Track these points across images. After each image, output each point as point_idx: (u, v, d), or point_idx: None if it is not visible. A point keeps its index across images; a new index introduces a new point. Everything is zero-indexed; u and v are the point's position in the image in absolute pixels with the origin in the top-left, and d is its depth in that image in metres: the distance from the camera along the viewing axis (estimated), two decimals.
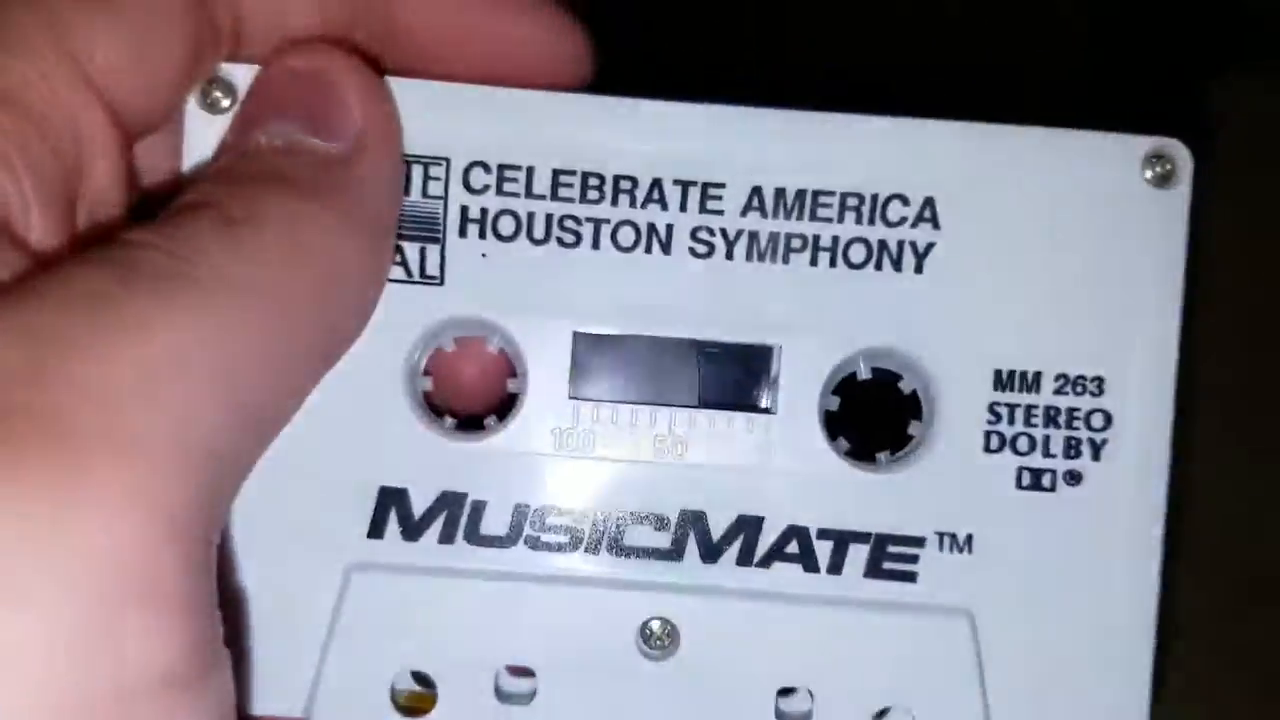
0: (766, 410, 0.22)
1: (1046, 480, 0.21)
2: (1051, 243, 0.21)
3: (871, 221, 0.21)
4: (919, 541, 0.21)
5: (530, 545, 0.22)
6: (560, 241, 0.21)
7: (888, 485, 0.21)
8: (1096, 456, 0.21)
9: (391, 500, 0.21)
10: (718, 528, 0.21)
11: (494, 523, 0.22)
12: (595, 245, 0.21)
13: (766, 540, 0.21)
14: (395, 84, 0.21)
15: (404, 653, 0.21)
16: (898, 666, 0.21)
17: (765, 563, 0.21)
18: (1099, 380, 0.21)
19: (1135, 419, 0.21)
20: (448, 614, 0.21)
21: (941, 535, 0.21)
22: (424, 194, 0.21)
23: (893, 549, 0.21)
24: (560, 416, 0.22)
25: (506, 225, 0.21)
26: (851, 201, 0.21)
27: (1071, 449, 0.21)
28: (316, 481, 0.21)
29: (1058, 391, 0.21)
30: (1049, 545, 0.21)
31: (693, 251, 0.21)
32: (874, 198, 0.21)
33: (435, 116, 0.21)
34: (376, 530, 0.21)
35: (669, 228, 0.21)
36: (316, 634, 0.21)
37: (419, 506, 0.21)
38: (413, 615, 0.21)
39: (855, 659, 0.21)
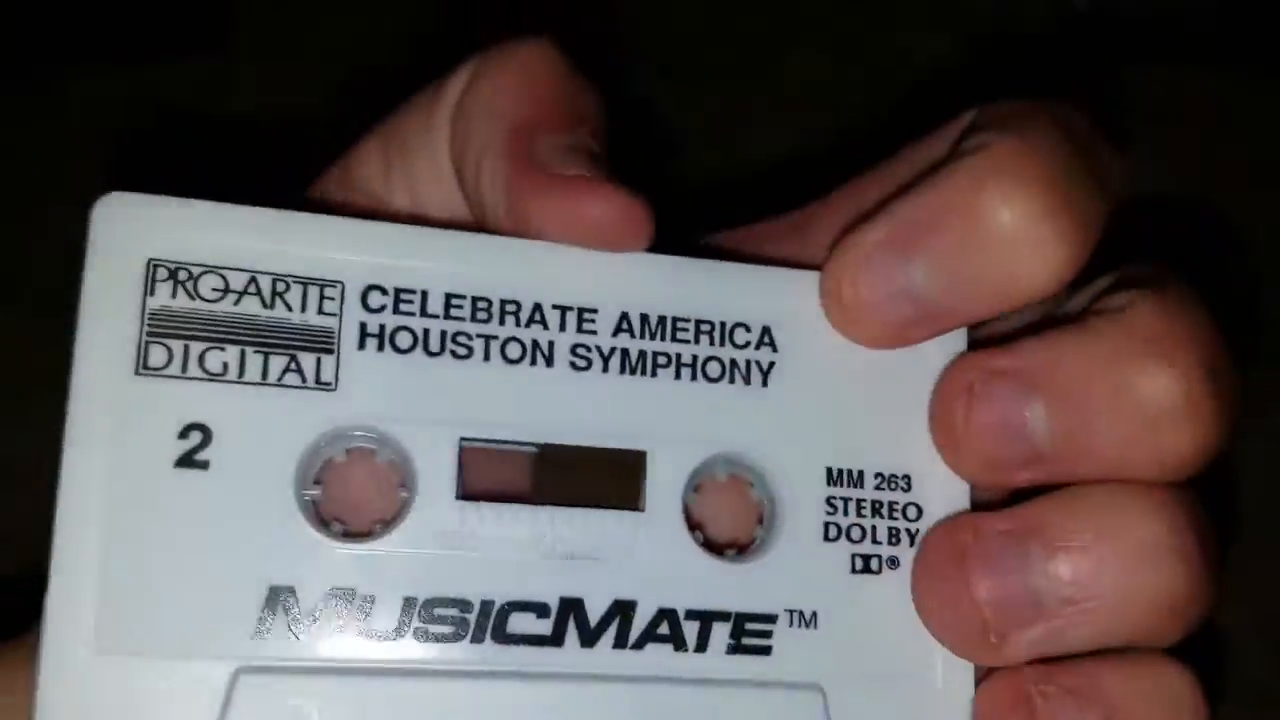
0: (635, 508, 0.24)
1: (875, 564, 0.25)
2: (865, 360, 0.25)
3: (722, 343, 0.25)
4: (771, 618, 0.24)
5: (419, 637, 0.23)
6: (454, 355, 0.24)
7: (743, 571, 0.24)
8: (912, 543, 0.25)
9: (279, 597, 0.22)
10: (595, 613, 0.24)
11: (383, 617, 0.23)
12: (486, 358, 0.24)
13: (640, 623, 0.24)
14: (288, 219, 0.23)
15: None
16: None
17: (640, 644, 0.24)
18: (907, 477, 0.25)
19: (939, 511, 0.25)
20: (338, 708, 0.22)
21: (791, 612, 0.24)
22: (320, 311, 0.23)
23: (750, 626, 0.24)
24: (446, 519, 0.23)
25: (404, 339, 0.24)
26: (704, 327, 0.25)
27: (893, 537, 0.25)
28: (202, 584, 0.22)
29: (878, 487, 0.25)
30: (880, 622, 0.25)
31: (573, 365, 0.24)
32: (721, 324, 0.25)
33: (330, 247, 0.23)
34: (263, 629, 0.22)
35: (551, 344, 0.24)
36: None
37: (307, 603, 0.22)
38: (302, 712, 0.22)
39: None
